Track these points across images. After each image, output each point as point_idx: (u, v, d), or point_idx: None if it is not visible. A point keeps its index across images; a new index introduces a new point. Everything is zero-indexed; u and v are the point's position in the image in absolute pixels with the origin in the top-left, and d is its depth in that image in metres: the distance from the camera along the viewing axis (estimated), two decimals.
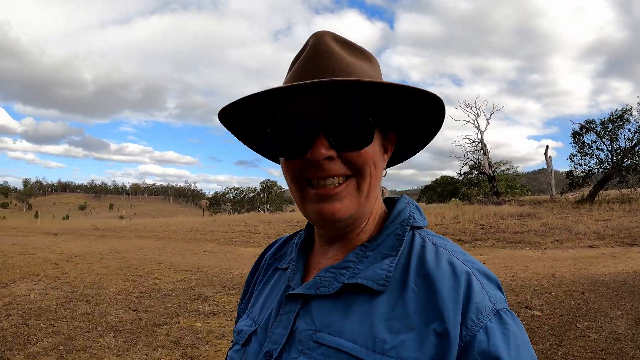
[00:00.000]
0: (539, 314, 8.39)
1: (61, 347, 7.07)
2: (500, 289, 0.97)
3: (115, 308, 9.51)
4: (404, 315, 0.92)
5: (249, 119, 1.12)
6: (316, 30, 1.05)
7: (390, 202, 1.19)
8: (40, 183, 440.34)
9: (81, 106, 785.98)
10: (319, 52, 1.00)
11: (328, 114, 0.96)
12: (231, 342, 1.25)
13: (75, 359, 6.55)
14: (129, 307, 9.60)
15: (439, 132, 1.14)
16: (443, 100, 0.98)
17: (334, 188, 0.98)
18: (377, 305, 0.95)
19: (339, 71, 0.97)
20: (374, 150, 1.01)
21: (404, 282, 0.96)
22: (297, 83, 0.90)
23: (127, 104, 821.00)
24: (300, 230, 1.32)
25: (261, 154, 1.27)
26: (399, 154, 1.25)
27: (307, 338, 0.97)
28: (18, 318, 8.52)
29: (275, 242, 1.39)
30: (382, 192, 1.21)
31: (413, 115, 1.07)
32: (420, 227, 1.10)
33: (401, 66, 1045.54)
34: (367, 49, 1.08)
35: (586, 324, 7.69)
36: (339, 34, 1.05)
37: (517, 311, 8.56)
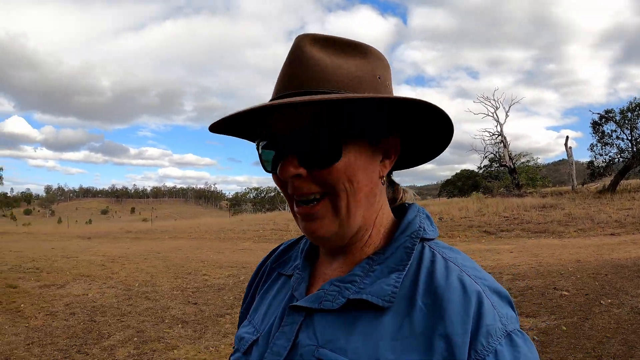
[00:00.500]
0: (566, 293, 8.92)
1: (135, 338, 7.58)
2: (511, 306, 0.95)
3: (175, 302, 10.04)
4: (410, 335, 0.88)
5: (242, 130, 1.13)
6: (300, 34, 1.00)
7: (401, 209, 1.13)
8: (62, 189, 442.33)
9: (100, 113, 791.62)
10: (293, 60, 0.96)
11: (297, 130, 0.94)
12: (232, 346, 1.24)
13: (151, 349, 7.05)
14: (189, 301, 10.11)
15: (452, 130, 1.05)
16: (433, 103, 0.93)
17: (311, 208, 0.97)
18: (383, 323, 0.91)
19: (312, 79, 0.93)
20: (347, 165, 0.94)
21: (412, 299, 0.92)
22: (248, 108, 0.89)
23: (145, 108, 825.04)
24: (304, 236, 1.20)
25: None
26: (420, 154, 1.19)
27: (309, 353, 0.95)
28: (84, 315, 9.02)
29: (279, 246, 1.35)
30: (401, 197, 1.17)
31: (409, 117, 1.04)
32: (431, 239, 1.05)
33: (416, 61, 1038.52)
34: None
35: (609, 300, 8.24)
36: (322, 33, 0.99)
37: (546, 292, 9.11)
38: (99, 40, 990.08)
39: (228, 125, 1.07)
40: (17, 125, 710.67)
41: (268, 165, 1.02)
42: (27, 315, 9.16)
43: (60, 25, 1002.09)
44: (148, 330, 8.08)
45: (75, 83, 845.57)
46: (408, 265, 0.96)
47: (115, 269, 14.74)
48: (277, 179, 1.01)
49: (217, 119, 0.99)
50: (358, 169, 0.96)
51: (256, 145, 1.05)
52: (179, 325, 8.31)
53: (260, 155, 1.04)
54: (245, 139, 1.19)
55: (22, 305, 9.95)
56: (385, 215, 1.08)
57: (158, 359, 6.72)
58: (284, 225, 31.22)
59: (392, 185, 1.17)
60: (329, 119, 0.93)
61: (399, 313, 0.91)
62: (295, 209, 1.00)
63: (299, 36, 0.99)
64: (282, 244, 1.35)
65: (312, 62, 0.94)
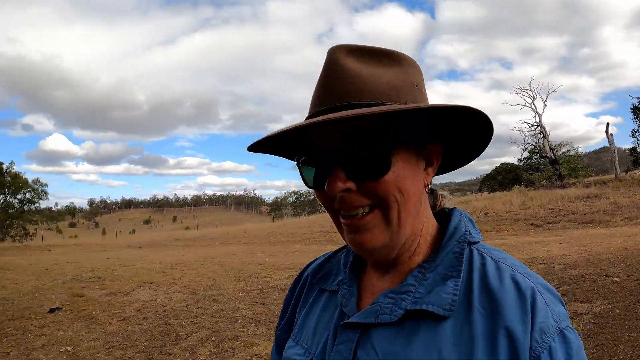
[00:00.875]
0: (617, 279, 9.09)
1: (212, 338, 7.88)
2: (562, 303, 0.94)
3: (243, 303, 10.29)
4: (472, 338, 0.88)
5: (279, 148, 1.13)
6: (334, 45, 0.98)
7: (442, 215, 1.14)
8: (105, 202, 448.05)
9: (137, 126, 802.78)
10: (330, 74, 0.95)
11: (342, 144, 0.92)
12: None
13: (231, 347, 7.36)
14: (256, 302, 10.37)
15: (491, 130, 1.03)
16: (480, 109, 0.92)
17: (360, 219, 0.95)
18: (443, 330, 0.90)
19: (351, 92, 0.92)
20: (396, 176, 0.93)
21: (469, 303, 0.92)
22: (292, 126, 0.89)
23: (181, 119, 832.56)
24: (344, 247, 1.25)
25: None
26: (458, 158, 1.19)
27: None
28: (157, 319, 9.35)
29: (315, 260, 1.32)
30: (440, 202, 1.16)
31: (451, 124, 1.02)
32: (477, 242, 1.04)
33: (448, 55, 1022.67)
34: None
35: None
36: (357, 43, 0.99)
37: (597, 279, 9.28)
38: (132, 56, 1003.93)
39: (267, 144, 1.08)
40: (58, 142, 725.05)
41: (311, 180, 1.01)
42: (101, 321, 9.46)
43: (92, 44, 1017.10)
44: (223, 330, 8.35)
45: (112, 99, 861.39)
46: (462, 271, 0.96)
47: (176, 275, 14.94)
48: (320, 194, 1.01)
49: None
50: (406, 178, 0.96)
51: (296, 162, 1.05)
52: (253, 325, 8.58)
53: (301, 172, 1.04)
54: (283, 157, 1.20)
55: (93, 312, 10.24)
56: (431, 223, 1.08)
57: (239, 355, 6.99)
58: (330, 227, 30.23)
59: (432, 191, 1.16)
60: (376, 131, 0.92)
61: (457, 318, 0.91)
62: (342, 221, 0.98)
63: (332, 48, 0.98)
64: (317, 258, 1.32)
65: (350, 74, 0.93)
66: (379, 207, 0.94)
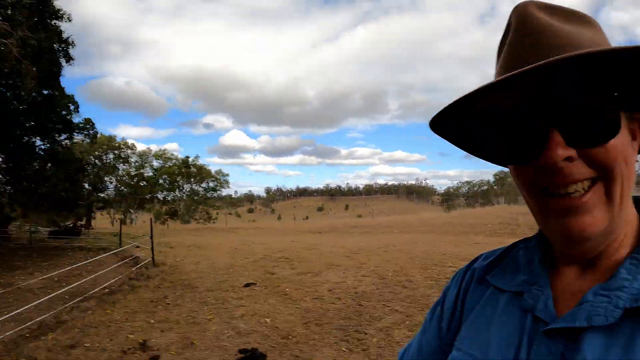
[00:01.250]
0: None
1: (406, 322, 8.04)
2: None
3: (433, 291, 10.32)
4: None
5: (463, 123, 0.91)
6: (517, 3, 0.85)
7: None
8: (281, 190, 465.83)
9: (309, 120, 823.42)
10: (528, 29, 0.81)
11: (557, 102, 0.76)
12: None
13: None
14: None
15: None
16: None
17: (579, 197, 0.77)
18: None
19: (558, 46, 0.77)
20: (622, 141, 0.78)
21: None
22: (506, 76, 0.72)
23: (350, 111, 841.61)
24: (519, 242, 1.05)
25: (486, 159, 1.03)
26: None
27: None
28: (349, 300, 9.70)
29: (483, 254, 1.12)
30: None
31: None
32: None
33: (624, 23, 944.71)
34: (580, 10, 0.86)
35: None
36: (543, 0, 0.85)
37: None
38: (299, 55, 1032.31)
39: (452, 118, 0.88)
40: (236, 137, 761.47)
41: (510, 151, 0.84)
42: (295, 298, 10.12)
43: (261, 48, 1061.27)
44: (416, 315, 8.46)
45: (284, 96, 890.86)
46: None
47: (361, 259, 15.21)
48: (519, 170, 0.85)
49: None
50: (628, 146, 0.80)
51: (492, 133, 0.88)
52: None
53: (493, 144, 0.91)
54: (460, 146, 1.01)
55: (286, 289, 10.94)
56: (632, 208, 0.87)
57: None
58: (510, 219, 30.10)
59: None
60: (599, 82, 0.75)
61: None
62: (553, 202, 0.80)
63: (521, 4, 0.84)
64: (486, 253, 1.11)
65: (549, 28, 0.80)
66: (602, 180, 0.78)
